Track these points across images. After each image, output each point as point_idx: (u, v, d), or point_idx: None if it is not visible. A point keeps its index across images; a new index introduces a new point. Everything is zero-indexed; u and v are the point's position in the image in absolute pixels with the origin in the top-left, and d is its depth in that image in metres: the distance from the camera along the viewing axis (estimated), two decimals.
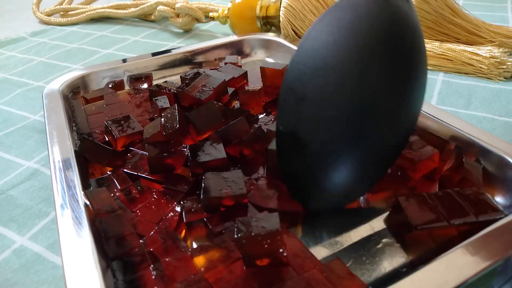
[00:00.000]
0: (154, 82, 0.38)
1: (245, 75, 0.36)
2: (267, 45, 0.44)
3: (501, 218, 0.20)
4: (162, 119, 0.27)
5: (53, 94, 0.34)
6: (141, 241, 0.21)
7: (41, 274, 0.22)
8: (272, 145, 0.24)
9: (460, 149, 0.25)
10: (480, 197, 0.22)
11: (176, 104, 0.28)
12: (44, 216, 0.26)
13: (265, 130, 0.27)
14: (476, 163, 0.24)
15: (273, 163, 0.24)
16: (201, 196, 0.22)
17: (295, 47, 0.42)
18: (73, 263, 0.19)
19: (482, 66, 0.39)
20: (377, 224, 0.23)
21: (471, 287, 0.17)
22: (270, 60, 0.44)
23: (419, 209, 0.21)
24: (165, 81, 0.36)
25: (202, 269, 0.18)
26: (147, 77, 0.38)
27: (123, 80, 0.38)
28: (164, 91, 0.33)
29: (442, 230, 0.21)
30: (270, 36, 0.45)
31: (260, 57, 0.45)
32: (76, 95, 0.36)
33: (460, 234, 0.21)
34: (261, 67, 0.34)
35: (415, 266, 0.18)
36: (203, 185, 0.23)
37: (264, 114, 0.32)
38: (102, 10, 0.64)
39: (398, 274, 0.20)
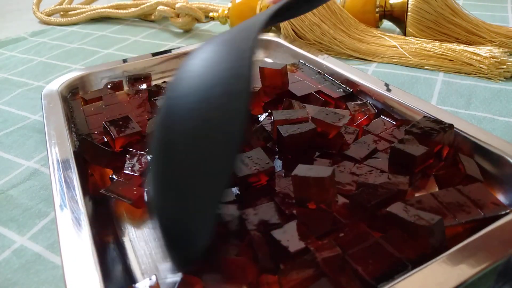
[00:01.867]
0: (153, 83, 0.38)
1: None
2: (266, 45, 0.44)
3: (506, 214, 0.20)
4: None
5: (52, 95, 0.34)
6: None
7: (41, 274, 0.22)
8: (297, 171, 0.22)
9: (456, 146, 0.25)
10: (483, 193, 0.22)
11: None
12: (44, 216, 0.26)
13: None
14: (472, 160, 0.24)
15: (300, 192, 0.22)
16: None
17: (293, 47, 0.42)
18: (73, 263, 0.19)
19: (482, 66, 0.39)
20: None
21: (471, 287, 0.17)
22: (268, 60, 0.44)
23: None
24: (164, 82, 0.36)
25: None
26: (146, 78, 0.38)
27: (121, 80, 0.38)
28: (163, 91, 0.33)
29: (449, 228, 0.20)
30: (270, 36, 0.45)
31: (258, 57, 0.44)
32: (75, 96, 0.36)
33: (465, 231, 0.20)
34: (259, 67, 0.34)
35: (415, 266, 0.18)
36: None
37: (265, 114, 0.32)
38: (102, 10, 0.64)
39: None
